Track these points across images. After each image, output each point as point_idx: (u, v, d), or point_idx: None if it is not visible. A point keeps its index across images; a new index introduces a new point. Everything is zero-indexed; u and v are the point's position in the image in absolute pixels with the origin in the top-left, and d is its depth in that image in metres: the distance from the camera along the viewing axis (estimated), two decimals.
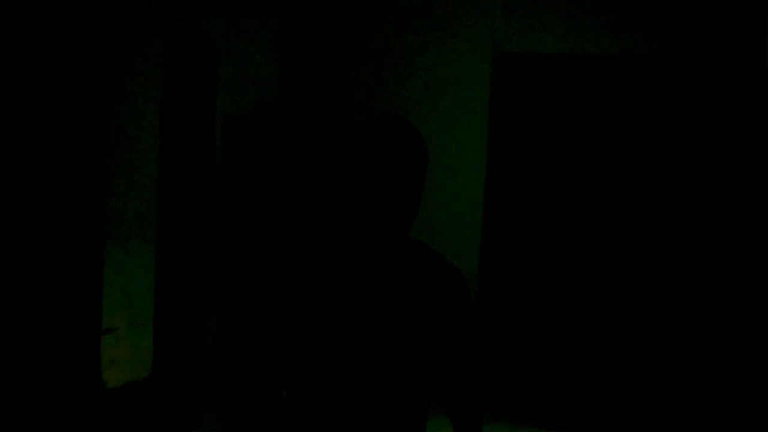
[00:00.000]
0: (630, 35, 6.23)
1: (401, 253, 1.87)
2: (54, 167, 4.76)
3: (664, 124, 6.23)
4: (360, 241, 1.81)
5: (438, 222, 6.69)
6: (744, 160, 6.07)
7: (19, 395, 4.61)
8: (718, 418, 6.09)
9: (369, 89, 6.84)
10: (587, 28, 6.36)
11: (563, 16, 6.40)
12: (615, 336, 6.37)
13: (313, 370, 1.78)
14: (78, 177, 4.94)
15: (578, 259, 6.47)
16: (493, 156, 6.67)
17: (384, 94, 6.80)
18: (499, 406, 6.49)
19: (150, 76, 5.68)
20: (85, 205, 5.01)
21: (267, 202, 5.08)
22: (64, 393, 4.94)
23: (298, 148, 6.56)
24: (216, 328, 6.01)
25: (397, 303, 1.83)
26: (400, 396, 1.82)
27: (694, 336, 6.19)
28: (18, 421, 4.61)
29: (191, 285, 6.13)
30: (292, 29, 7.00)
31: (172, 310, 6.05)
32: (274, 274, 1.83)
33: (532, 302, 6.60)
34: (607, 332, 6.39)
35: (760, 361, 6.03)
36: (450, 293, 1.92)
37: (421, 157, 1.83)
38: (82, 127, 4.92)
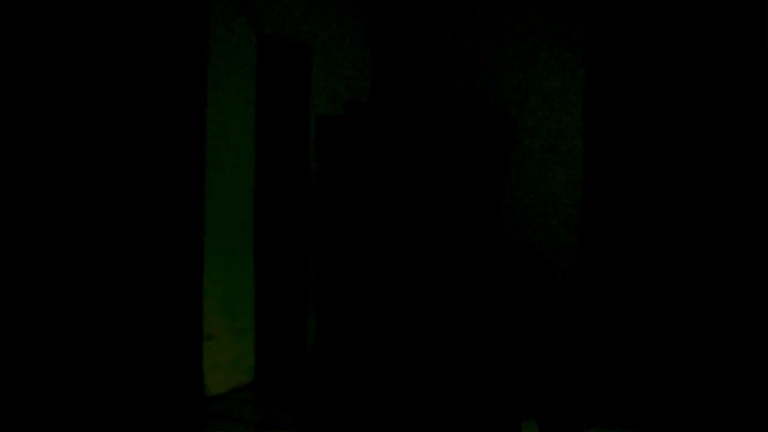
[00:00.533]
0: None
1: (485, 240, 1.68)
2: (151, 174, 4.75)
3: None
4: (439, 229, 1.63)
5: (536, 213, 6.51)
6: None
7: (122, 400, 4.60)
8: None
9: (462, 84, 6.71)
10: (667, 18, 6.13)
11: (648, 7, 6.24)
12: (725, 335, 6.05)
13: (395, 365, 1.63)
14: (175, 183, 4.92)
15: (677, 254, 6.17)
16: (589, 147, 6.48)
17: (478, 88, 6.67)
18: (590, 410, 6.22)
19: (243, 78, 5.65)
20: (183, 211, 4.98)
21: (363, 201, 4.98)
22: (168, 399, 4.92)
23: (391, 146, 6.42)
24: (315, 331, 5.93)
25: (478, 292, 1.65)
26: (482, 396, 1.63)
27: None
28: (123, 426, 4.60)
29: (290, 288, 6.06)
30: (383, 26, 6.90)
31: (273, 314, 6.00)
32: (366, 271, 1.68)
33: (633, 297, 6.33)
34: (714, 331, 6.07)
35: None
36: (533, 280, 1.72)
37: (502, 133, 1.63)
38: (177, 134, 4.90)
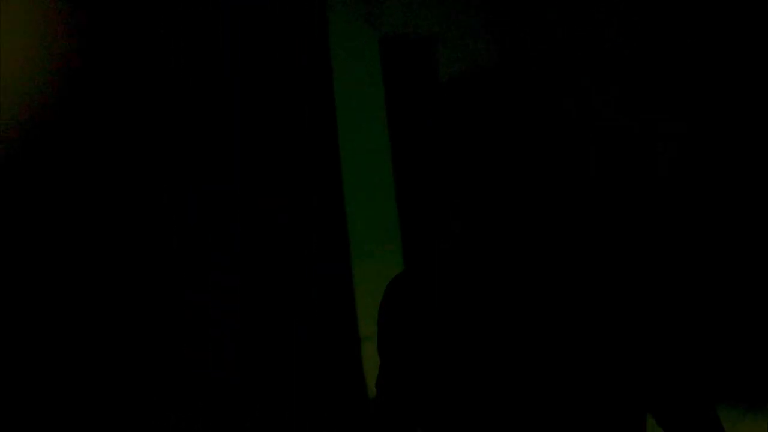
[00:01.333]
0: None
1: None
2: (294, 178, 4.82)
3: None
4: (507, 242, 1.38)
5: None
6: None
7: (292, 402, 4.68)
8: None
9: (586, 69, 6.53)
10: None
11: None
12: None
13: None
14: (316, 187, 4.97)
15: None
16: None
17: (597, 86, 6.49)
18: None
19: (369, 79, 5.66)
20: (326, 216, 5.03)
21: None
22: (329, 399, 4.97)
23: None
24: None
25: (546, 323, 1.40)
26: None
27: None
28: (295, 425, 4.67)
29: None
30: (508, 11, 6.80)
31: None
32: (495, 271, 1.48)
33: None
34: None
35: None
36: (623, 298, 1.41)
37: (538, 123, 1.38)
38: (312, 136, 4.96)
